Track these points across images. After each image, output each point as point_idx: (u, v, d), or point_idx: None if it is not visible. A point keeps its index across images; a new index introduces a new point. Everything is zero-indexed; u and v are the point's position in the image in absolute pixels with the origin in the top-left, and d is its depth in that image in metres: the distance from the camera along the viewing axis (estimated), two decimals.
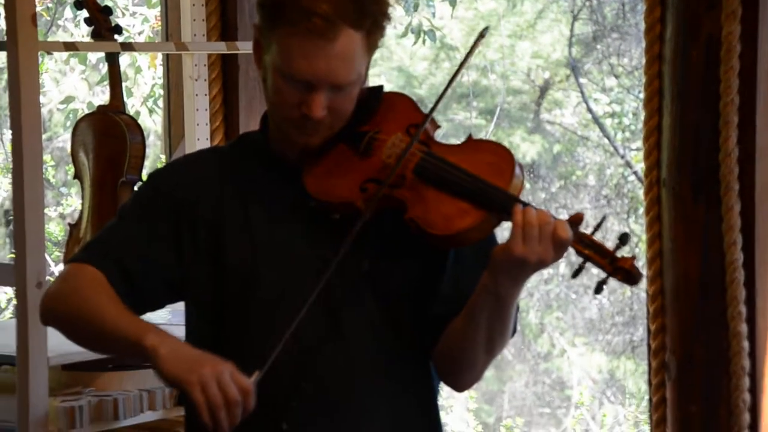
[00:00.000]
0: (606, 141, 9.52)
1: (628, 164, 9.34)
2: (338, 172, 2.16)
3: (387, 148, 2.15)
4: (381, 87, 2.25)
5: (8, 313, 6.51)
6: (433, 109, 2.17)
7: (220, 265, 2.17)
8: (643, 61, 3.11)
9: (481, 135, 9.12)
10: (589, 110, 9.57)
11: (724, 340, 3.00)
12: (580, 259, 2.07)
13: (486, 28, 2.22)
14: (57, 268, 6.26)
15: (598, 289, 2.07)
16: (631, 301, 9.75)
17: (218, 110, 3.84)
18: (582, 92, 9.54)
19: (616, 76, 9.28)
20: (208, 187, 2.21)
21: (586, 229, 2.09)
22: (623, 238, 2.05)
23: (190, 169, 2.25)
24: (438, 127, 2.20)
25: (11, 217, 7.78)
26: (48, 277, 3.14)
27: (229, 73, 3.84)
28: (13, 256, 6.91)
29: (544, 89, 10.04)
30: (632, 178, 9.41)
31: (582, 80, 9.60)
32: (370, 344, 2.17)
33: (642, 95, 3.06)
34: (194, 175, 2.23)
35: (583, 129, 9.93)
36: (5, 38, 3.04)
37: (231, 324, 2.18)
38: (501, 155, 2.13)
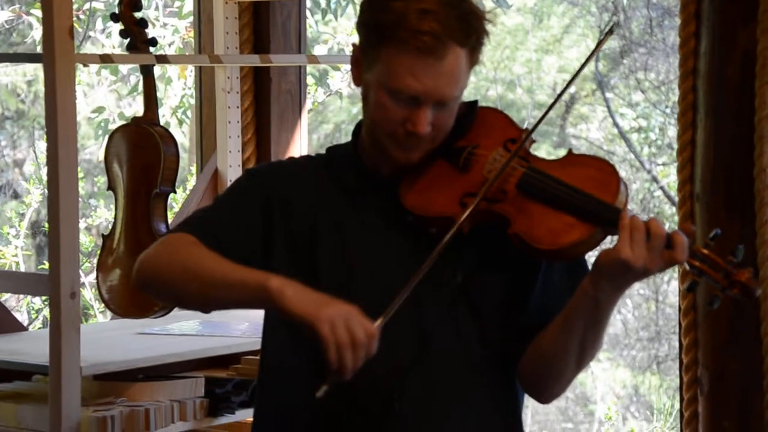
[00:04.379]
0: (632, 156, 9.51)
1: (654, 179, 9.32)
2: (436, 187, 2.18)
3: (488, 163, 2.17)
4: (476, 102, 2.26)
5: (38, 323, 6.53)
6: (535, 126, 2.19)
7: (311, 274, 2.18)
8: (670, 76, 3.12)
9: None
10: (615, 125, 9.56)
11: (757, 354, 2.99)
12: (693, 273, 2.07)
13: (613, 25, 2.23)
14: (87, 279, 6.28)
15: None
16: (656, 316, 9.72)
17: (250, 123, 3.86)
18: (608, 107, 9.53)
19: (643, 91, 9.26)
20: (304, 192, 2.24)
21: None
22: (735, 252, 2.05)
23: (292, 172, 2.28)
24: (534, 141, 2.21)
25: (42, 228, 7.82)
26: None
27: (261, 85, 3.87)
28: (43, 267, 6.95)
29: (570, 104, 10.03)
30: (658, 193, 9.39)
31: (608, 95, 9.59)
32: (459, 356, 2.18)
33: (668, 110, 3.07)
34: (295, 178, 2.26)
35: (609, 144, 9.92)
36: (41, 50, 3.06)
37: None
38: (604, 169, 2.14)
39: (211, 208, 2.28)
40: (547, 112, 2.25)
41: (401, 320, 2.13)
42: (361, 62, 2.19)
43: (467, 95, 2.22)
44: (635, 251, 2.04)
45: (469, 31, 2.13)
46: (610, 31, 2.24)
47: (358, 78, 2.21)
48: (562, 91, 2.27)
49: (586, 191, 2.11)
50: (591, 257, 2.20)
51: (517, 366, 2.23)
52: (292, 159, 2.39)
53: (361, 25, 2.19)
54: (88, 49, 7.70)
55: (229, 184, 3.79)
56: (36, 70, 9.22)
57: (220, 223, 2.22)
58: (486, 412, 2.22)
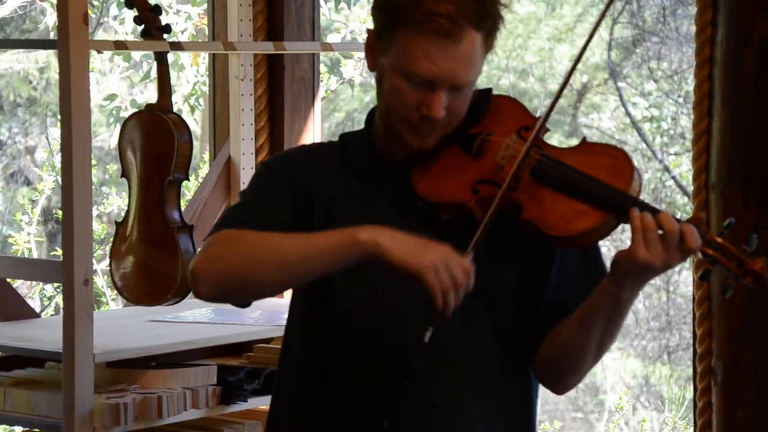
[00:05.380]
0: (644, 145, 9.48)
1: (666, 169, 9.30)
2: (449, 173, 2.17)
3: (501, 150, 2.16)
4: (490, 89, 2.26)
5: (50, 310, 6.54)
6: (551, 109, 2.18)
7: None
8: (683, 65, 3.11)
9: None
10: (628, 114, 9.54)
11: None
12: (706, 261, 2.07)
13: None
14: (99, 266, 6.29)
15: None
16: (667, 306, 9.70)
17: (263, 110, 3.85)
18: (620, 96, 9.51)
19: (655, 81, 9.23)
20: (323, 177, 2.23)
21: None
22: (749, 241, 2.05)
23: (308, 158, 2.27)
24: (548, 130, 2.21)
25: (53, 215, 7.83)
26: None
27: (274, 73, 3.86)
28: (54, 253, 6.95)
29: (582, 93, 10.00)
30: (670, 182, 9.37)
31: (620, 84, 9.56)
32: (473, 345, 2.19)
33: (681, 100, 3.06)
34: (311, 164, 2.25)
35: (621, 133, 9.90)
36: (54, 37, 3.05)
37: (336, 314, 2.19)
38: (618, 158, 2.14)
39: (240, 203, 2.25)
40: (563, 87, 2.23)
41: (413, 306, 2.13)
42: (376, 47, 2.18)
43: (478, 85, 2.21)
44: (651, 252, 2.04)
45: (485, 15, 2.13)
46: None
47: (372, 63, 2.21)
48: (576, 62, 2.23)
49: (600, 179, 2.11)
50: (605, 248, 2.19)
51: (532, 357, 2.23)
52: (304, 146, 2.40)
53: (377, 9, 2.18)
54: (101, 35, 7.70)
55: (242, 171, 3.79)
56: (48, 57, 9.23)
57: (254, 213, 2.20)
58: (498, 400, 2.22)
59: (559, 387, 2.26)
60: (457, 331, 2.17)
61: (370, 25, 2.23)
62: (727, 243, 2.05)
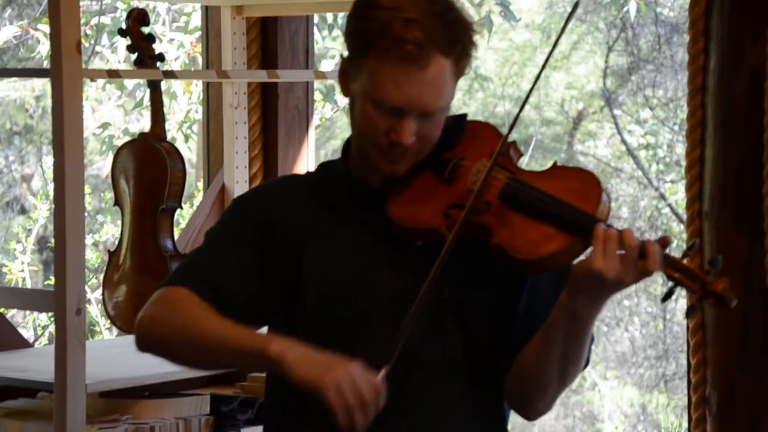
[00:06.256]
0: (640, 173, 9.50)
1: (662, 196, 9.31)
2: (422, 199, 2.17)
3: (472, 174, 2.16)
4: (464, 115, 2.25)
5: (44, 339, 6.53)
6: (513, 126, 2.18)
7: (296, 290, 2.18)
8: (678, 93, 3.10)
9: None
10: (623, 142, 9.56)
11: (766, 374, 2.98)
12: (670, 283, 2.06)
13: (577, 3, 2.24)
14: (93, 296, 6.27)
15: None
16: (664, 334, 9.69)
17: (257, 138, 3.85)
18: (616, 124, 9.53)
19: (651, 108, 9.25)
20: (292, 212, 2.23)
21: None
22: (713, 262, 2.04)
23: (276, 195, 2.27)
24: (521, 155, 2.21)
25: (48, 244, 7.82)
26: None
27: (268, 101, 3.86)
28: (49, 283, 6.95)
29: (578, 120, 10.02)
30: (666, 210, 9.37)
31: (616, 112, 9.59)
32: (446, 370, 2.17)
33: (677, 127, 3.06)
34: (280, 200, 2.25)
35: (617, 161, 9.91)
36: (48, 66, 3.06)
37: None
38: (587, 181, 2.13)
39: (204, 251, 2.25)
40: (527, 98, 2.24)
41: (385, 332, 2.11)
42: (348, 73, 2.18)
43: (475, 111, 2.21)
44: (608, 262, 2.02)
45: (454, 41, 2.12)
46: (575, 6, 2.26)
47: (345, 89, 2.21)
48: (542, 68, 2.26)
49: (567, 201, 2.10)
50: None
51: (502, 379, 2.21)
52: (278, 179, 2.40)
53: (348, 35, 2.18)
54: (95, 64, 7.71)
55: None
56: (44, 85, 9.24)
57: (215, 268, 2.20)
58: (470, 423, 2.20)
59: (528, 412, 2.24)
60: (429, 360, 2.15)
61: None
62: (689, 264, 2.05)
